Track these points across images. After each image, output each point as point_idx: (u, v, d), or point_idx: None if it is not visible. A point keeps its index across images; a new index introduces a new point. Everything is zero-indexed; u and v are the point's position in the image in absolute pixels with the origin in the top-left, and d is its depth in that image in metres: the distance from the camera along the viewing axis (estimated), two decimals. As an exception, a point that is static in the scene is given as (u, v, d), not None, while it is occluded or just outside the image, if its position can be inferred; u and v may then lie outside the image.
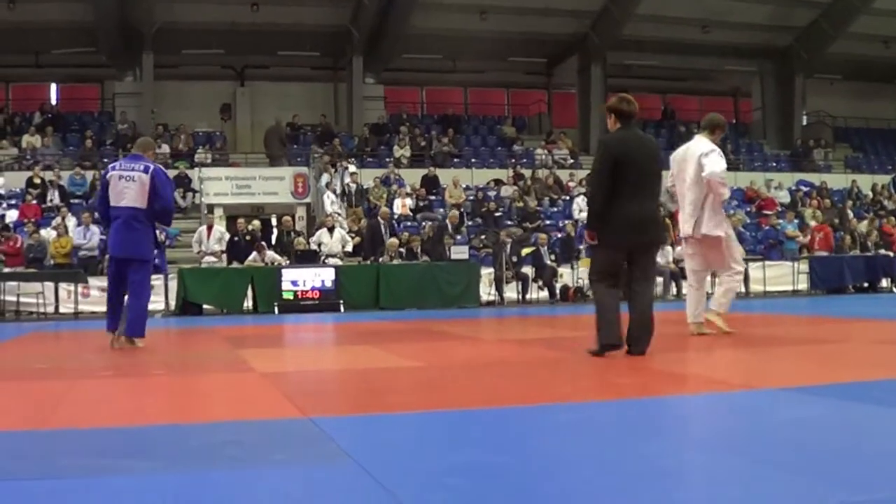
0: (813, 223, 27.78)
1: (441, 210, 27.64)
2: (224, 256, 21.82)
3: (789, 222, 27.35)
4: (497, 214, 27.07)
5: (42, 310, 19.67)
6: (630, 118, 8.32)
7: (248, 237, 22.22)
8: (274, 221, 26.98)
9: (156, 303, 20.46)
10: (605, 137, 8.63)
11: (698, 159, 10.21)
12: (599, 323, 8.03)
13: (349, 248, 22.53)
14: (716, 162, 10.15)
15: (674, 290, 22.90)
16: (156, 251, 10.77)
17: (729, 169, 28.40)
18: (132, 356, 9.45)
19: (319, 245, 21.99)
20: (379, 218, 23.66)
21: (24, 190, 25.93)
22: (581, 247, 22.27)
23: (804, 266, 24.54)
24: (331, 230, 22.44)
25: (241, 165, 30.04)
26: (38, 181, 26.07)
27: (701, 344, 9.74)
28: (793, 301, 21.51)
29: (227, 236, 22.43)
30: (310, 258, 21.04)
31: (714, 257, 10.70)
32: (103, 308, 20.12)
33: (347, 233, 23.24)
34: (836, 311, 15.74)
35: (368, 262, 21.98)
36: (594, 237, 8.24)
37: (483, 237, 25.19)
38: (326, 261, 21.28)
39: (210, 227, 22.08)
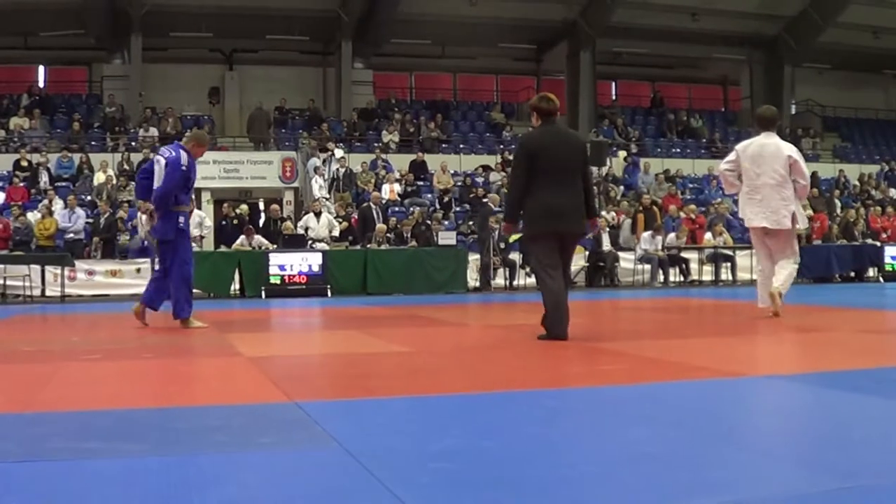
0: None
1: (429, 196, 27.66)
2: (203, 242, 21.77)
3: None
4: (485, 200, 27.05)
5: (28, 293, 19.63)
6: (550, 115, 8.71)
7: (235, 221, 22.18)
8: (262, 206, 26.96)
9: (143, 287, 20.46)
10: (522, 135, 9.21)
11: (787, 160, 10.95)
12: (548, 316, 8.39)
13: (336, 233, 22.51)
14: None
15: (661, 277, 22.93)
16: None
17: (716, 157, 29.03)
18: (118, 340, 9.44)
19: (306, 230, 21.98)
20: (371, 203, 23.65)
21: (10, 172, 25.87)
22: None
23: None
24: (317, 215, 22.43)
25: (229, 149, 29.99)
26: (25, 164, 26.02)
27: (688, 331, 9.77)
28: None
29: (208, 221, 22.40)
30: (297, 242, 21.03)
31: (784, 245, 11.22)
32: (90, 291, 20.38)
33: (335, 217, 23.23)
34: (822, 300, 15.78)
35: (359, 246, 22.00)
36: (510, 230, 8.69)
37: (471, 223, 25.21)
38: (313, 245, 21.28)
39: (190, 211, 21.93)
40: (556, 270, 8.45)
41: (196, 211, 22.28)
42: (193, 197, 22.55)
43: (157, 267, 11.71)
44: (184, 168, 10.73)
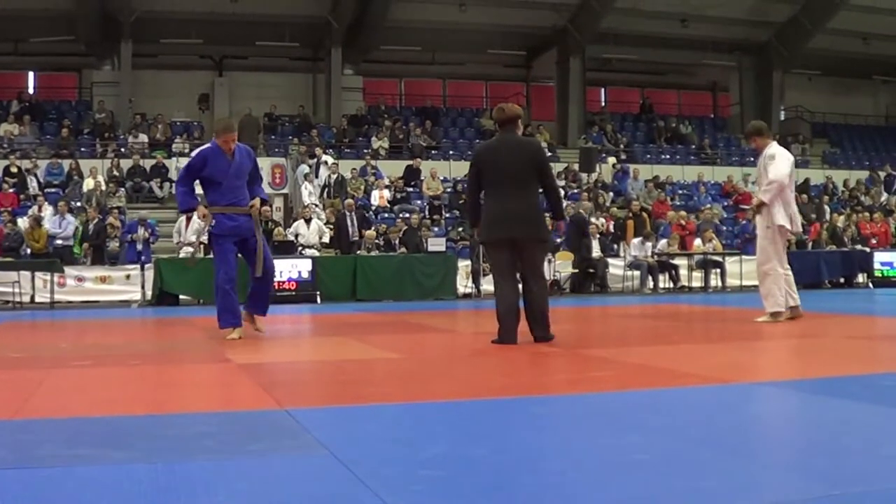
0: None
1: (419, 202, 27.64)
2: (202, 248, 21.79)
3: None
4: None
5: (18, 299, 19.59)
6: (503, 124, 9.01)
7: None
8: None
9: (132, 293, 20.45)
10: (476, 146, 9.88)
11: None
12: (498, 321, 8.68)
13: (326, 240, 22.50)
14: None
15: (650, 283, 22.93)
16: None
17: (706, 163, 29.26)
18: (107, 346, 9.42)
19: (297, 236, 21.98)
20: (345, 210, 23.61)
21: (0, 178, 25.83)
22: (557, 240, 22.18)
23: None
24: (308, 221, 22.43)
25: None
26: (15, 169, 25.97)
27: (677, 337, 9.78)
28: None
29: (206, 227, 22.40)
30: (287, 249, 21.03)
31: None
32: (79, 298, 20.35)
33: (325, 224, 23.22)
34: (811, 306, 15.78)
35: (335, 252, 22.07)
36: (480, 233, 8.99)
37: (460, 229, 25.21)
38: (303, 252, 21.28)
39: (188, 218, 21.94)
40: (505, 277, 8.74)
41: (194, 217, 22.27)
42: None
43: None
44: (190, 160, 10.30)
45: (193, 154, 10.46)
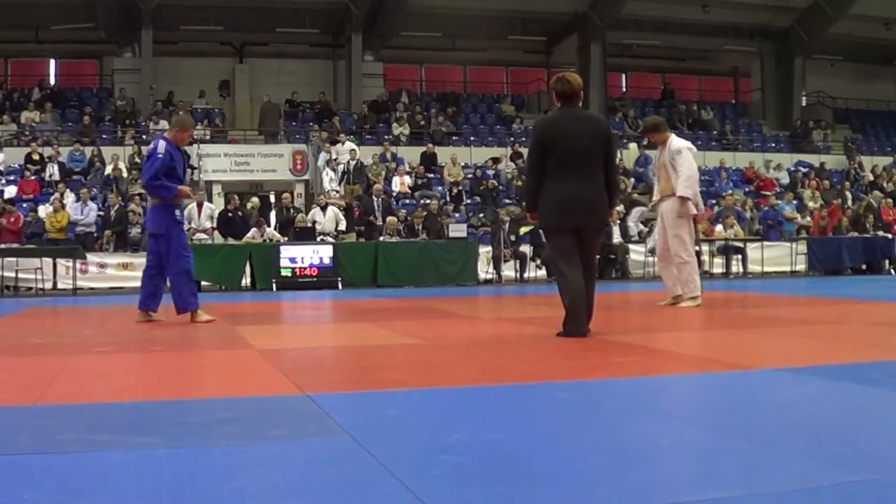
0: (811, 204, 27.77)
1: (439, 188, 27.66)
2: (215, 233, 21.85)
3: (788, 203, 27.36)
4: (495, 193, 27.07)
5: (40, 286, 19.68)
6: (568, 98, 8.12)
7: (240, 213, 22.32)
8: (272, 199, 27.07)
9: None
10: (538, 119, 9.09)
11: None
12: (566, 312, 7.93)
13: (342, 227, 22.49)
14: None
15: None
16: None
17: (727, 149, 29.47)
18: (129, 333, 9.46)
19: (314, 223, 22.03)
20: (372, 195, 23.68)
21: (22, 166, 25.93)
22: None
23: (802, 247, 24.56)
24: (324, 209, 22.46)
25: (240, 142, 30.04)
26: (36, 157, 26.08)
27: (698, 323, 9.76)
28: (790, 282, 21.53)
29: (217, 213, 22.52)
30: (308, 235, 21.07)
31: None
32: (101, 284, 20.44)
33: (342, 211, 23.25)
34: (833, 293, 15.75)
35: (356, 233, 22.13)
36: (535, 217, 8.22)
37: (481, 215, 25.22)
38: (323, 239, 21.32)
39: (200, 205, 21.96)
40: (572, 264, 7.93)
41: (206, 204, 22.35)
42: (204, 189, 22.33)
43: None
44: (160, 155, 10.40)
45: (160, 150, 10.43)
